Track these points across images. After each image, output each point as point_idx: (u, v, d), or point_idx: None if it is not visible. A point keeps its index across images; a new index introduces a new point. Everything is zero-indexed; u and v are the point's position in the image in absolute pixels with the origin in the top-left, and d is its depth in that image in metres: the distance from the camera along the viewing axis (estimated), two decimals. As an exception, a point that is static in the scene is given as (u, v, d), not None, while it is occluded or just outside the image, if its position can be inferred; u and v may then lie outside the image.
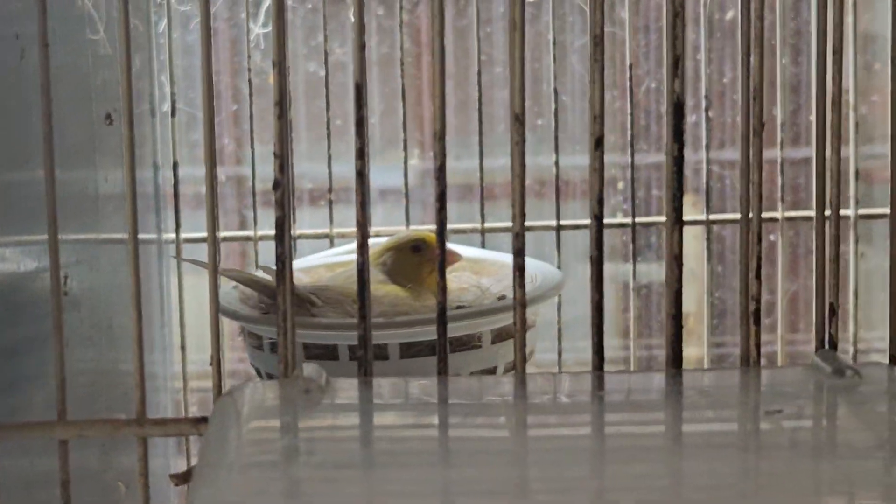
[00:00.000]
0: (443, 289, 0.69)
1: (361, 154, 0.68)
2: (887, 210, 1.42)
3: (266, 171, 1.89)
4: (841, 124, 0.69)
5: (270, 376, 1.17)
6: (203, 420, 0.70)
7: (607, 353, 1.70)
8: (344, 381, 0.69)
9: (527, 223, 1.44)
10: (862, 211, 1.42)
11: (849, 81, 1.41)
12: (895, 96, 0.73)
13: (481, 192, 1.43)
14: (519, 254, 0.68)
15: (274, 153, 0.68)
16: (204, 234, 1.43)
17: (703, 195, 1.42)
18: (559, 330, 1.40)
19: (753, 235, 0.68)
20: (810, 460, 0.58)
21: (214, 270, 0.68)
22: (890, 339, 0.71)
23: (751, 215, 0.69)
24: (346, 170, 1.65)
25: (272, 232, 1.47)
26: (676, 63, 0.68)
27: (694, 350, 1.67)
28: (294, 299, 1.18)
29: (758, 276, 0.68)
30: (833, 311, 0.70)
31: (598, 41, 0.68)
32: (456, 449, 0.62)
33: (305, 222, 1.55)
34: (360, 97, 0.67)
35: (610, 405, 0.66)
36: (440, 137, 0.68)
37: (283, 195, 0.67)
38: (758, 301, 0.69)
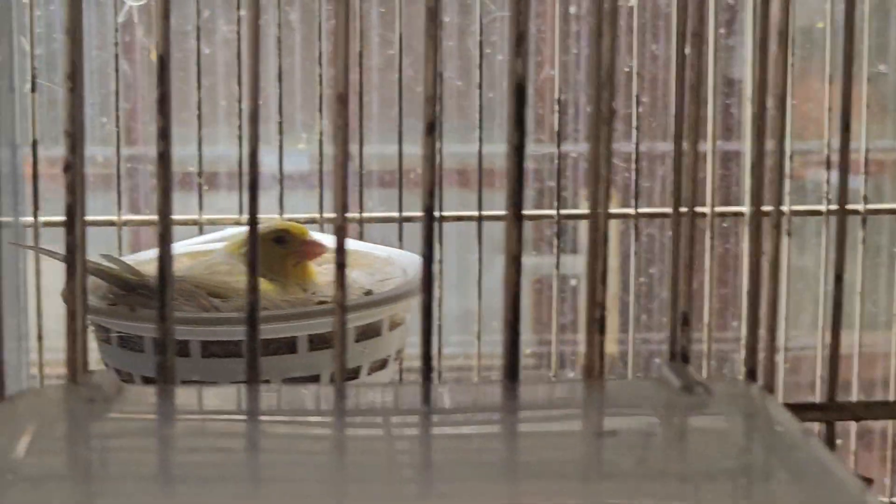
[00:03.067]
0: (253, 288, 0.62)
1: (164, 134, 0.60)
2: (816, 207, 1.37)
3: (150, 151, 1.81)
4: (699, 114, 0.63)
5: (119, 372, 1.10)
6: (-20, 430, 0.62)
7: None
8: (140, 389, 0.62)
9: (409, 213, 1.39)
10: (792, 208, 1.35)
11: (745, 71, 1.35)
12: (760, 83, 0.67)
13: (360, 180, 1.37)
14: (341, 250, 0.61)
15: (65, 131, 0.60)
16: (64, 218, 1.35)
17: (621, 190, 1.36)
18: (439, 328, 1.34)
19: (600, 233, 0.62)
20: (638, 495, 0.52)
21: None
22: (745, 352, 0.65)
23: (599, 210, 0.63)
24: (232, 153, 1.57)
25: (140, 217, 1.39)
26: (519, 41, 0.61)
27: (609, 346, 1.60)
28: (146, 290, 1.11)
29: (603, 281, 0.62)
30: (686, 321, 0.64)
31: (432, 14, 0.61)
32: (256, 470, 0.55)
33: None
34: (163, 72, 0.60)
35: (433, 422, 0.59)
36: (253, 119, 0.60)
37: (74, 178, 0.60)
38: (602, 307, 0.62)
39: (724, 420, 0.58)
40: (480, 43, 1.35)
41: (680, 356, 0.64)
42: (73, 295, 0.61)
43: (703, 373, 1.30)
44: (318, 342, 1.07)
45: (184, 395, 0.62)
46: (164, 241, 0.60)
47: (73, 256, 0.60)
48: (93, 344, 1.18)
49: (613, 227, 1.50)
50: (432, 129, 0.62)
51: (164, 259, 0.60)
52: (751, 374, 0.65)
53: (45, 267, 1.31)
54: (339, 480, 0.54)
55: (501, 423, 0.59)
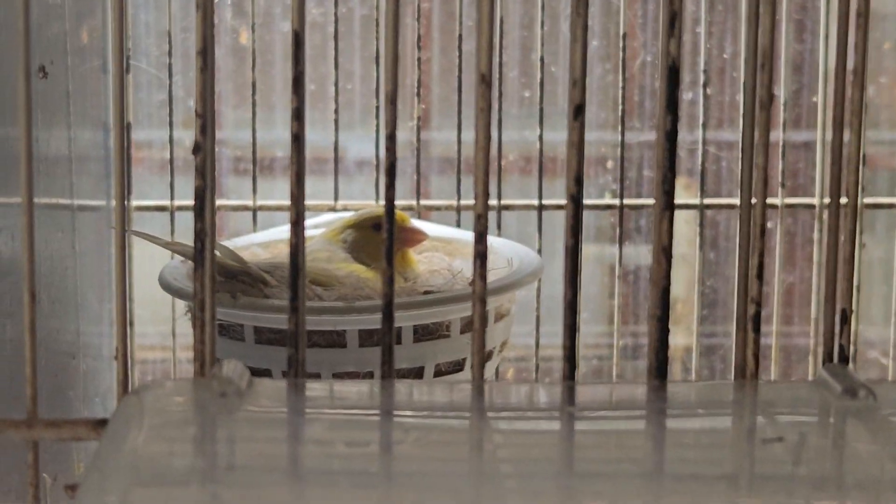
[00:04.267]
0: (389, 278, 0.59)
1: (298, 114, 0.57)
2: (893, 199, 1.33)
3: (241, 136, 1.78)
4: (863, 108, 0.59)
5: (217, 360, 1.07)
6: (103, 422, 0.59)
7: (591, 340, 1.60)
8: (270, 384, 0.59)
9: (509, 202, 1.35)
10: (866, 200, 1.31)
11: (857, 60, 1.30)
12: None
13: (458, 167, 1.33)
14: (480, 239, 0.58)
15: (196, 112, 0.58)
16: (158, 202, 1.33)
17: (697, 178, 1.32)
18: (537, 318, 1.31)
19: (755, 227, 0.58)
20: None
21: (122, 242, 0.58)
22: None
23: (753, 201, 0.59)
24: (318, 138, 1.54)
25: (236, 202, 1.37)
26: (673, 21, 0.57)
27: (682, 339, 1.57)
28: (246, 278, 1.08)
29: (759, 276, 0.58)
30: (845, 319, 0.60)
31: (581, -7, 0.57)
32: (392, 473, 0.52)
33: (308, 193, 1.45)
34: (297, 50, 0.57)
35: (579, 425, 0.55)
36: (391, 101, 0.57)
37: (205, 161, 0.57)
38: (758, 304, 0.59)
39: (892, 425, 0.55)
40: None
41: (840, 357, 0.60)
42: (202, 284, 0.58)
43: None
44: (422, 333, 1.04)
45: (315, 389, 0.59)
46: (297, 226, 0.58)
47: (203, 243, 0.57)
48: (188, 329, 1.16)
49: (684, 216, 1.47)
50: (580, 112, 0.58)
51: (297, 246, 0.57)
52: (913, 377, 0.61)
53: (136, 252, 1.29)
54: (476, 480, 0.51)
55: (653, 424, 0.56)
